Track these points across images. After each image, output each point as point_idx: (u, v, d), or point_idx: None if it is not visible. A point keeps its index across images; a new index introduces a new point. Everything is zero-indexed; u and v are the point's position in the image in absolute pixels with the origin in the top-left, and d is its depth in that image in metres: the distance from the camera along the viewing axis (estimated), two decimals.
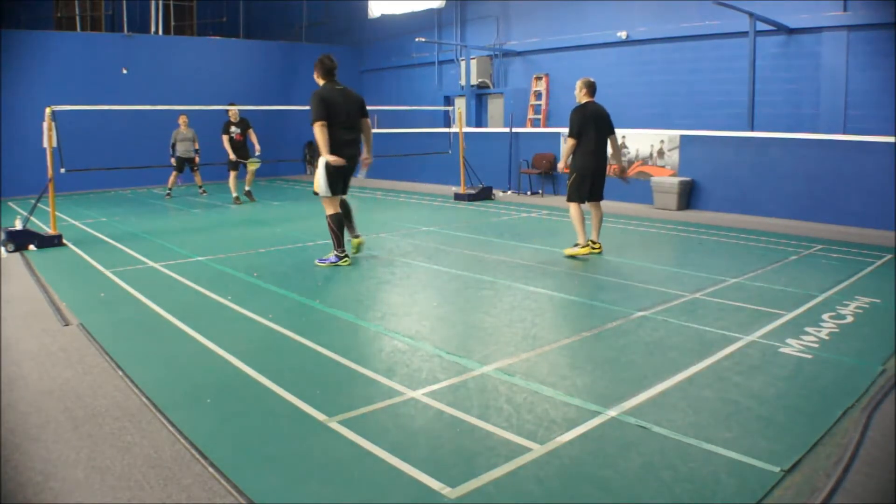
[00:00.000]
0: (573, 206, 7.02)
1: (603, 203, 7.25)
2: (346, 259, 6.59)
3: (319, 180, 6.39)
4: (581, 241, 7.00)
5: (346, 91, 6.48)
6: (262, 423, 3.14)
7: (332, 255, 6.62)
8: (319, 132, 6.17)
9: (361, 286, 5.89)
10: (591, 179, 6.95)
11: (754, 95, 10.74)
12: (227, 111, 11.90)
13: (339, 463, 2.75)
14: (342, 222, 6.60)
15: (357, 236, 6.97)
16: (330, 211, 6.53)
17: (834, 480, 2.57)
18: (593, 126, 6.86)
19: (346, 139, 6.39)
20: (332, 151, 6.24)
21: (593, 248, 7.05)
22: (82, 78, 14.83)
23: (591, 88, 7.01)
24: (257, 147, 11.94)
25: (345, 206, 6.76)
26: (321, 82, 6.43)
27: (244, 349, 4.13)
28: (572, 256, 6.96)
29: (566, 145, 6.93)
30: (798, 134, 10.02)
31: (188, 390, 3.54)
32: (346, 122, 6.38)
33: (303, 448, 2.89)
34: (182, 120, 12.97)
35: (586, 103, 6.95)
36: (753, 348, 4.13)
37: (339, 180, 6.47)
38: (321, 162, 6.32)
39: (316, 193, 6.54)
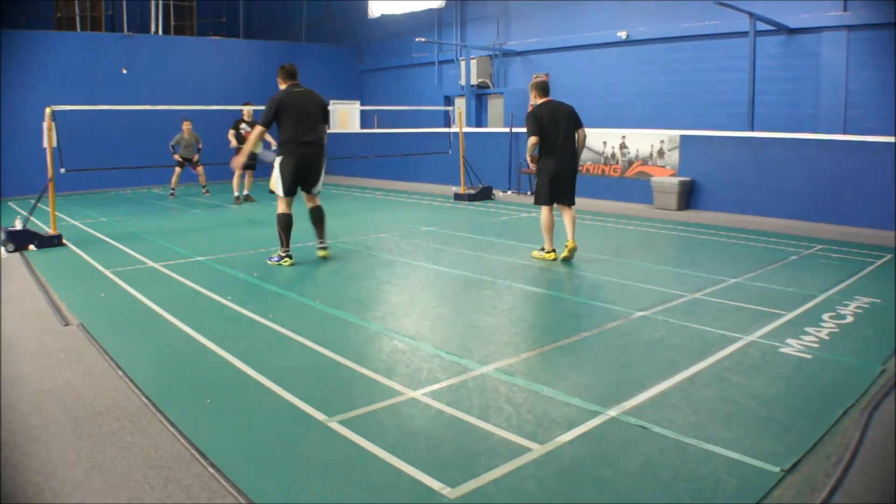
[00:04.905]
0: (544, 210, 6.78)
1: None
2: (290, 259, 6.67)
3: None
4: (547, 246, 6.83)
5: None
6: (261, 423, 3.14)
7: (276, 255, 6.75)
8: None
9: (361, 286, 5.88)
10: (557, 183, 6.68)
11: (754, 95, 10.74)
12: (241, 110, 11.87)
13: (339, 463, 2.75)
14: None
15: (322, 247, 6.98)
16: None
17: (834, 480, 2.57)
18: (553, 125, 6.51)
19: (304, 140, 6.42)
20: None
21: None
22: (82, 78, 14.84)
23: (540, 90, 6.69)
24: (273, 143, 11.86)
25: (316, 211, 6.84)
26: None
27: (244, 349, 4.13)
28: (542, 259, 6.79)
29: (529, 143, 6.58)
30: (798, 134, 10.01)
31: (188, 390, 3.54)
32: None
33: (303, 448, 2.89)
34: (186, 126, 12.79)
35: (541, 104, 6.62)
36: (753, 348, 4.13)
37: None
38: None
39: None
